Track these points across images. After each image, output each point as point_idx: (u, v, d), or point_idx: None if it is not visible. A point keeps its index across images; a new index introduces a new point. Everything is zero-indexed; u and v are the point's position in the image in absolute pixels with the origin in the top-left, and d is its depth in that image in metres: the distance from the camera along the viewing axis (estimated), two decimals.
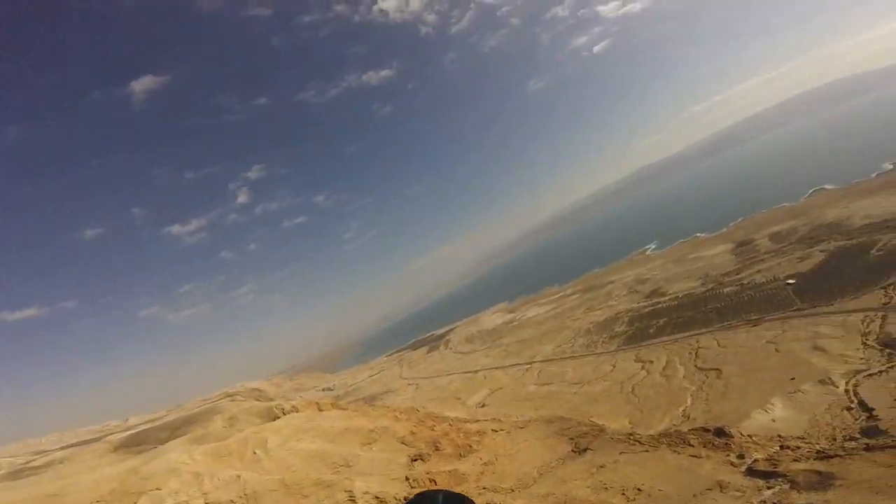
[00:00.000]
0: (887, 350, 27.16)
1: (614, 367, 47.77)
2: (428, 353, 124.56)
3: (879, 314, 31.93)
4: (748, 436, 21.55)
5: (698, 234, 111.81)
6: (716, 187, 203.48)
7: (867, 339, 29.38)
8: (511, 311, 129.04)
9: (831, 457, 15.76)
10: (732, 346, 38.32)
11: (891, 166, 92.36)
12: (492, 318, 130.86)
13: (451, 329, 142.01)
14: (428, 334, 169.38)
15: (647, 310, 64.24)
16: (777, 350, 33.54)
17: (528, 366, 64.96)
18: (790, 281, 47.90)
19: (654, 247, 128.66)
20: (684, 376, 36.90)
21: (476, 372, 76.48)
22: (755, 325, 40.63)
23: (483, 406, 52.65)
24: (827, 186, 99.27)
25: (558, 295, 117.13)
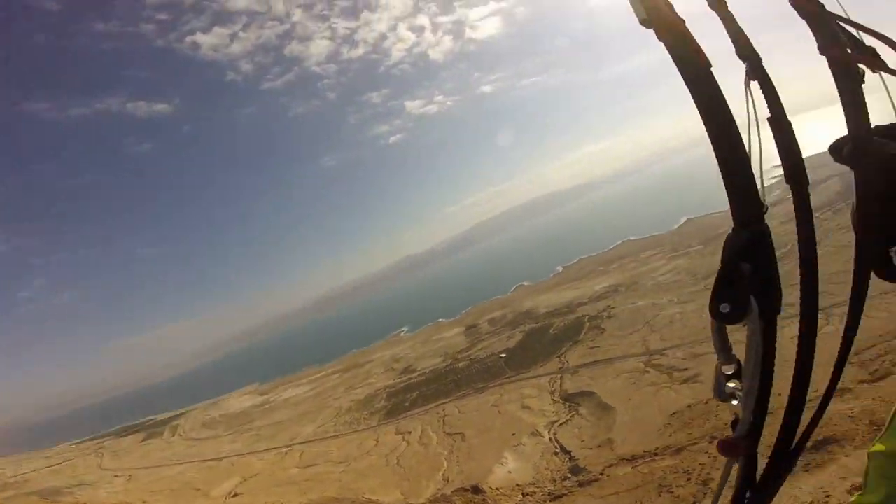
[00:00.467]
0: (567, 403, 39.12)
1: (377, 441, 51.61)
2: (145, 440, 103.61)
3: (558, 376, 45.66)
4: (496, 488, 27.10)
5: (440, 320, 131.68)
6: (456, 280, 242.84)
7: (554, 396, 41.48)
8: (263, 393, 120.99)
9: (560, 496, 20.90)
10: (469, 411, 47.38)
11: (560, 269, 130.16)
12: (239, 400, 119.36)
13: (181, 413, 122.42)
14: (144, 419, 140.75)
15: (401, 385, 71.81)
16: (499, 411, 43.48)
17: (288, 449, 62.85)
18: (502, 355, 62.63)
19: (407, 329, 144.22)
20: (437, 442, 43.41)
21: (220, 459, 68.74)
22: (481, 392, 51.42)
23: (235, 496, 48.32)
24: (525, 283, 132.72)
25: (318, 375, 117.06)
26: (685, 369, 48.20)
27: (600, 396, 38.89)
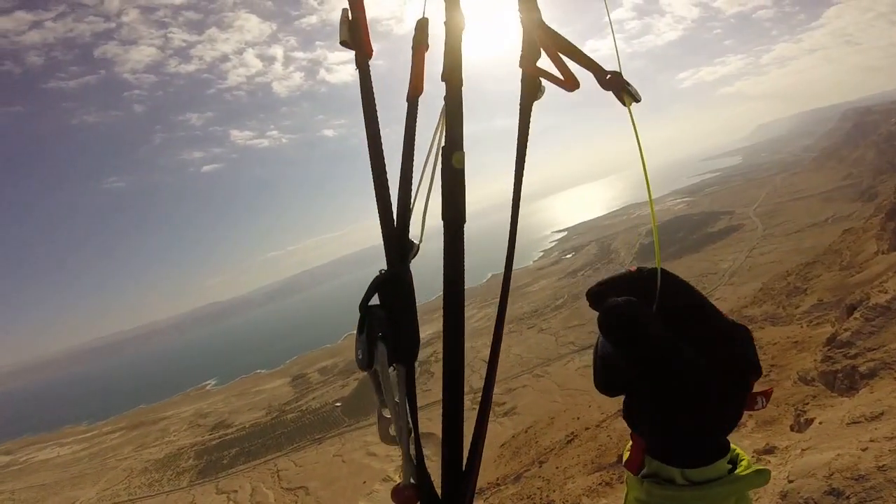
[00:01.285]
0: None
1: (193, 502, 45.53)
2: None
3: None
4: None
5: (259, 371, 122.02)
6: (276, 329, 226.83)
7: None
8: (7, 453, 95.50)
9: None
10: (308, 464, 45.79)
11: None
12: None
13: None
14: None
15: (214, 442, 65.07)
16: (343, 461, 43.33)
17: None
18: (338, 404, 62.20)
19: (214, 382, 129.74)
20: (276, 499, 40.76)
21: None
22: (320, 443, 50.33)
23: None
24: (353, 331, 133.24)
25: (90, 433, 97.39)
26: (504, 403, 55.20)
27: (439, 436, 42.31)
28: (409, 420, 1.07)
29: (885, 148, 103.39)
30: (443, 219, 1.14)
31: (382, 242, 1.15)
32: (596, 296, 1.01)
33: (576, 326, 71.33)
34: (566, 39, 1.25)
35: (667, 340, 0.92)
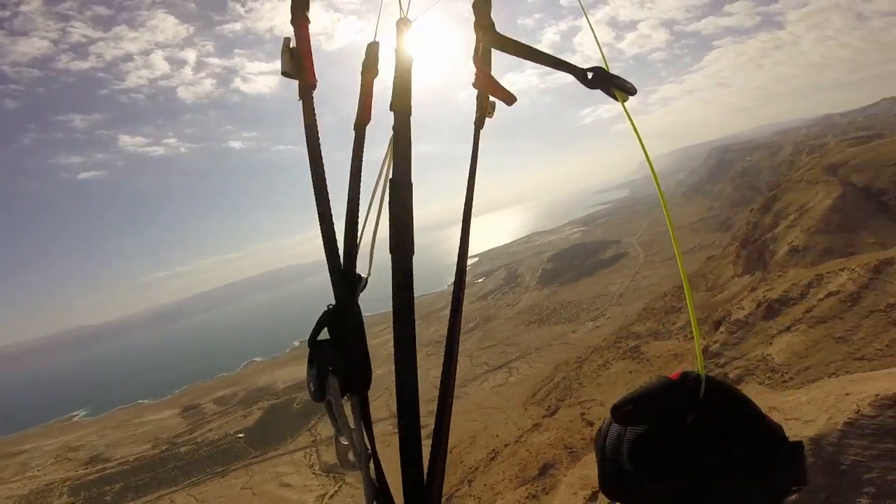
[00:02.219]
0: (331, 474, 38.76)
1: None
2: None
3: (313, 449, 44.85)
4: None
5: (141, 401, 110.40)
6: (160, 356, 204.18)
7: (314, 469, 40.57)
8: None
9: None
10: (211, 498, 41.28)
11: (298, 343, 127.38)
12: None
13: None
14: None
15: (92, 477, 57.43)
16: (254, 493, 39.65)
17: None
18: (240, 434, 57.15)
19: (84, 413, 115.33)
20: None
21: None
22: (223, 476, 45.70)
23: None
24: (256, 359, 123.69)
25: None
26: (426, 426, 53.69)
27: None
28: (368, 444, 1.12)
29: (739, 183, 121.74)
30: (391, 252, 1.12)
31: (329, 277, 1.18)
32: (625, 417, 0.92)
33: (488, 347, 73.67)
34: (531, 47, 1.32)
35: (708, 472, 0.84)
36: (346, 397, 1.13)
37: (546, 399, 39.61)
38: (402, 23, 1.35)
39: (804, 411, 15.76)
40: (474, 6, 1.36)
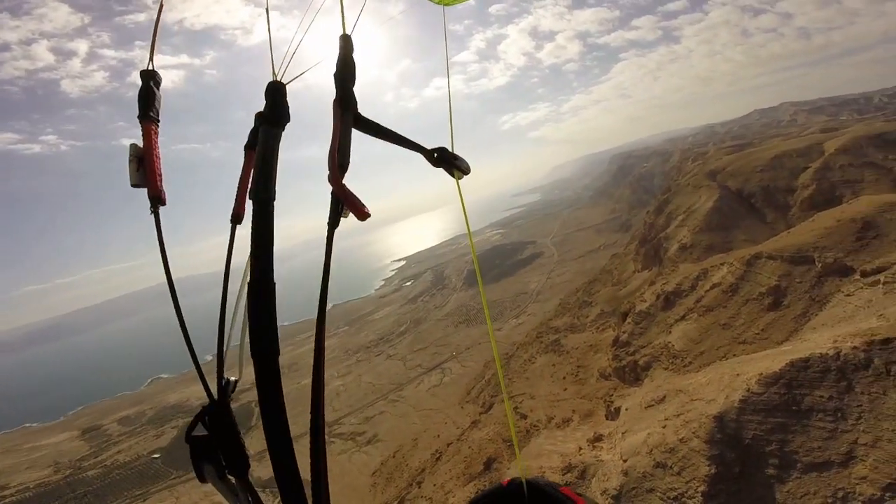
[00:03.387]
0: (268, 489, 36.21)
1: None
2: None
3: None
4: None
5: (28, 424, 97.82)
6: (46, 377, 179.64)
7: None
8: None
9: None
10: None
11: (211, 357, 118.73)
12: None
13: None
14: None
15: None
16: None
17: None
18: (156, 455, 52.04)
19: None
20: None
21: None
22: (145, 500, 41.50)
23: None
24: (163, 375, 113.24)
25: None
26: (364, 432, 53.06)
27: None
28: None
29: (637, 187, 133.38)
30: (252, 356, 1.14)
31: (200, 382, 1.29)
32: None
33: (420, 350, 73.74)
34: (390, 130, 1.35)
35: None
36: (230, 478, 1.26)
37: (480, 396, 40.79)
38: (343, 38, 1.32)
39: (705, 392, 17.91)
40: (336, 77, 1.29)
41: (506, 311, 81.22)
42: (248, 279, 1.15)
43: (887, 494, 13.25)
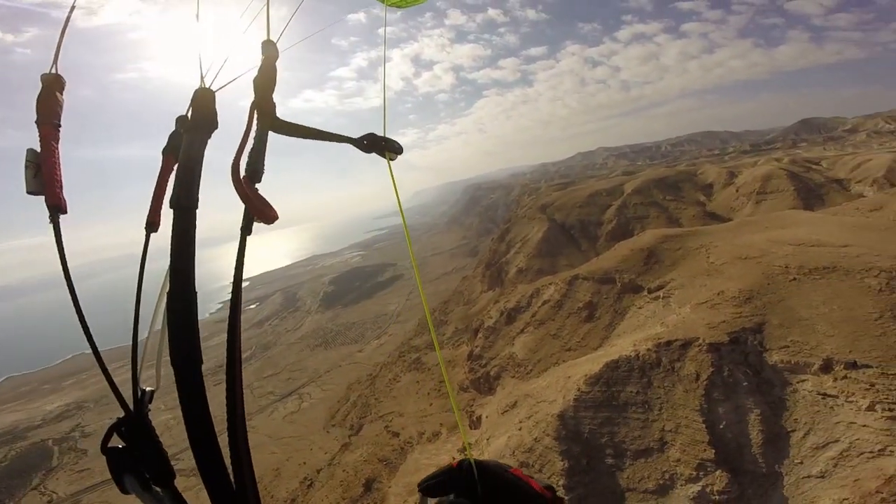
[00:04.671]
0: None
1: None
2: None
3: None
4: None
5: None
6: None
7: None
8: None
9: None
10: None
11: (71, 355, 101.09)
12: None
13: None
14: None
15: None
16: None
17: None
18: None
19: None
20: None
21: None
22: None
23: None
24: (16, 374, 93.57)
25: None
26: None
27: None
28: None
29: (484, 216, 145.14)
30: (172, 366, 1.12)
31: (111, 391, 1.23)
32: (427, 490, 1.20)
33: (270, 376, 67.84)
34: (311, 128, 1.36)
35: None
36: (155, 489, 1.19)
37: (347, 419, 39.16)
38: (267, 44, 1.32)
39: (547, 394, 20.47)
40: (255, 83, 1.27)
41: (367, 333, 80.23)
42: (167, 288, 1.13)
43: (700, 473, 16.64)
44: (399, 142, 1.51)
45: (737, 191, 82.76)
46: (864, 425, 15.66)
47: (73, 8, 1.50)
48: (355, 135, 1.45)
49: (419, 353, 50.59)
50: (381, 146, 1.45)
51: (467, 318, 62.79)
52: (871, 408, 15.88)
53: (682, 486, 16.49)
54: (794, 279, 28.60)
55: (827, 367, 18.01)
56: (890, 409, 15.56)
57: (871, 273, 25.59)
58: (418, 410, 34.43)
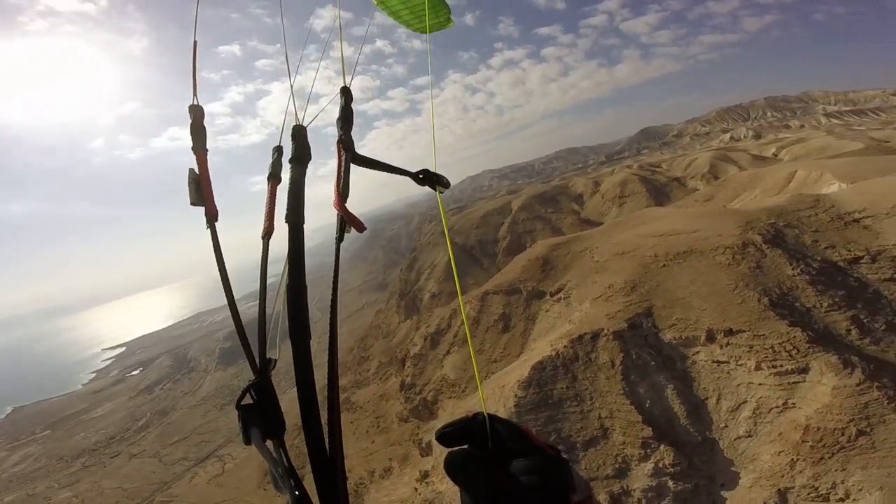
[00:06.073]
0: None
1: None
2: None
3: None
4: None
5: None
6: None
7: None
8: None
9: None
10: None
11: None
12: None
13: None
14: None
15: None
16: None
17: None
18: None
19: None
20: None
21: None
22: None
23: None
24: None
25: None
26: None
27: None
28: (289, 471, 1.38)
29: (388, 248, 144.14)
30: (290, 334, 1.42)
31: (247, 358, 1.47)
32: (442, 438, 1.23)
33: (179, 441, 59.28)
34: (382, 162, 1.68)
35: (489, 484, 1.12)
36: (268, 441, 1.39)
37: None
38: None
39: (488, 406, 20.91)
40: (338, 123, 1.58)
41: (282, 383, 72.99)
42: (285, 282, 1.42)
43: (647, 451, 17.94)
44: (447, 178, 1.75)
45: (602, 197, 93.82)
46: (760, 384, 18.52)
47: (195, 44, 1.72)
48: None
49: (346, 392, 48.11)
50: (434, 180, 1.65)
51: (389, 350, 61.55)
52: (758, 367, 18.91)
53: (636, 465, 17.77)
54: (664, 265, 32.97)
55: (711, 338, 21.10)
56: (773, 366, 18.69)
57: (719, 251, 30.63)
58: (361, 450, 32.57)
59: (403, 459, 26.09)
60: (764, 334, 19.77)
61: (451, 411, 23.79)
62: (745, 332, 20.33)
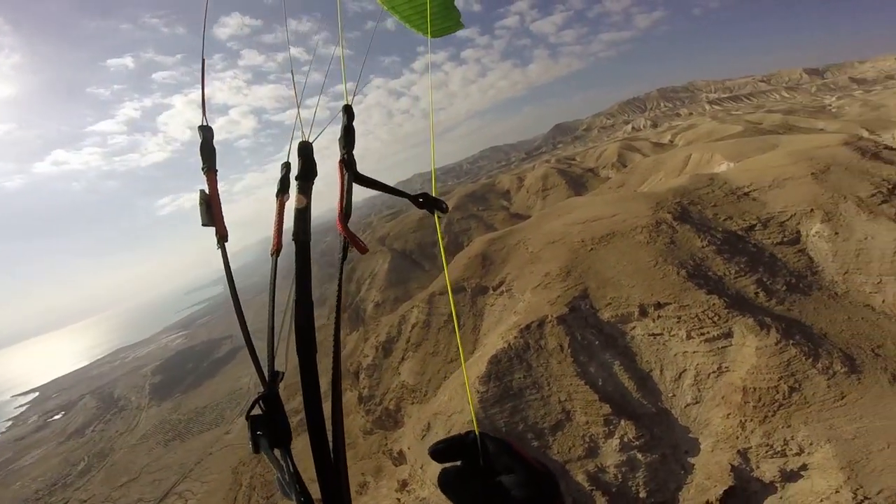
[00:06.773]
0: None
1: None
2: None
3: None
4: None
5: None
6: None
7: None
8: None
9: None
10: None
11: None
12: None
13: None
14: None
15: None
16: None
17: None
18: None
19: None
20: None
21: None
22: None
23: None
24: None
25: None
26: None
27: None
28: (295, 477, 1.42)
29: (322, 262, 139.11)
30: (297, 355, 1.48)
31: (256, 372, 1.54)
32: (434, 454, 1.31)
33: (129, 483, 53.88)
34: (384, 183, 1.70)
35: (480, 499, 1.20)
36: (275, 450, 1.43)
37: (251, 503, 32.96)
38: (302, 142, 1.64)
39: (453, 406, 21.25)
40: (340, 142, 1.57)
41: (226, 413, 69.14)
42: (293, 297, 1.47)
43: (610, 427, 18.74)
44: (446, 202, 1.78)
45: (527, 192, 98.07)
46: (694, 351, 20.39)
47: (203, 62, 1.75)
48: None
49: (300, 414, 45.81)
50: (433, 204, 1.69)
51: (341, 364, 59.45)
52: (689, 336, 20.85)
53: (604, 443, 18.75)
54: (592, 249, 35.30)
55: (643, 312, 23.02)
56: (702, 334, 20.71)
57: (637, 231, 33.42)
58: None
59: (377, 472, 25.60)
60: (688, 304, 21.94)
61: (417, 417, 23.77)
62: (671, 304, 22.42)
